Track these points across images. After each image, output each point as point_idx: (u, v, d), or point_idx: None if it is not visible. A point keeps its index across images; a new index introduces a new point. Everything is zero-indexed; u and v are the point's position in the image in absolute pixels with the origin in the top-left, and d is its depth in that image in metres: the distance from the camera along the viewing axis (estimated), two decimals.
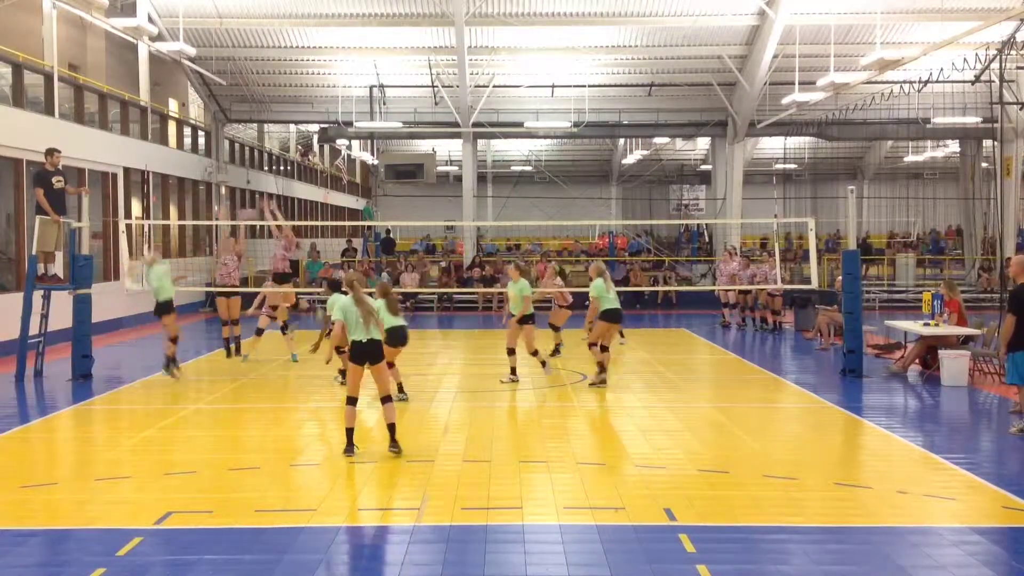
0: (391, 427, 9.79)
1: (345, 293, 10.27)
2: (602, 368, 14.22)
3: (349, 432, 9.79)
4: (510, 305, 14.85)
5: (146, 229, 20.54)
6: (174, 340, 14.84)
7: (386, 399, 9.92)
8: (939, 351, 14.45)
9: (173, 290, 15.10)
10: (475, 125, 30.17)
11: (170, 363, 14.83)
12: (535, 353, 14.55)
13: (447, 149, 42.79)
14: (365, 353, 9.68)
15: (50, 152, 15.33)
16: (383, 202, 47.19)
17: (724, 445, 10.46)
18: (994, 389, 13.84)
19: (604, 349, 14.24)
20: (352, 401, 9.80)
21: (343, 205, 48.36)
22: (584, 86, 29.35)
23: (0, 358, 16.82)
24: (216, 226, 30.01)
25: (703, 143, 41.91)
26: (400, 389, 12.82)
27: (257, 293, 17.24)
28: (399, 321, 11.75)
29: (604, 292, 14.13)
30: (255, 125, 36.37)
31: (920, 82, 25.75)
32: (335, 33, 27.02)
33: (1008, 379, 11.13)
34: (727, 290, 22.95)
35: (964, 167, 34.27)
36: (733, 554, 6.90)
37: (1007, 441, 10.70)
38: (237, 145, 34.13)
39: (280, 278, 16.94)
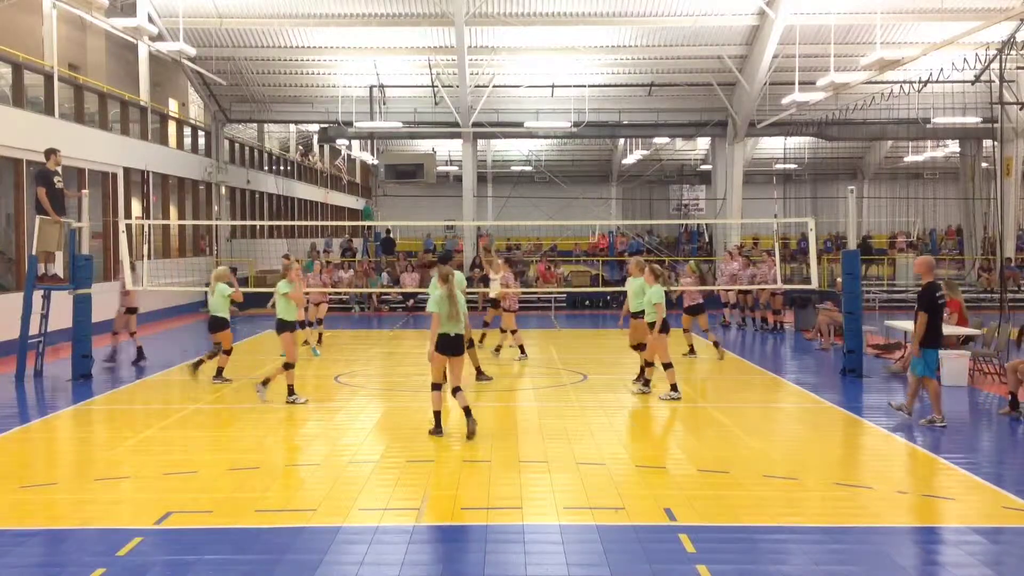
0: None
1: None
2: (670, 384, 13.16)
3: None
4: (633, 307, 13.94)
5: (146, 229, 20.51)
6: (228, 352, 14.79)
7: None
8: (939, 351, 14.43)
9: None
10: (475, 125, 30.19)
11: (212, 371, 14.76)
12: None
13: (447, 149, 42.82)
14: None
15: (51, 152, 15.32)
16: (383, 202, 47.22)
17: (724, 445, 10.46)
18: (994, 389, 13.85)
19: (668, 366, 13.15)
20: None
21: (343, 205, 48.39)
22: (584, 86, 29.37)
23: (0, 358, 16.81)
24: (216, 226, 30.05)
25: (703, 143, 41.94)
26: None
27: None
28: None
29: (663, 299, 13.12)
30: (255, 125, 36.40)
31: (920, 82, 25.76)
32: (335, 33, 27.03)
33: (918, 371, 11.39)
34: (727, 290, 22.96)
35: (964, 167, 34.28)
36: (733, 554, 6.90)
37: (1007, 441, 10.70)
38: (237, 145, 34.16)
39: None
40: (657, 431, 11.47)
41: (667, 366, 13.06)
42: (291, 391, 12.87)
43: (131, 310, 17.22)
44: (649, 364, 13.48)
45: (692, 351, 17.63)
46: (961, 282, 27.15)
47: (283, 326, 12.88)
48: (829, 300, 19.49)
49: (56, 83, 20.63)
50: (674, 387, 13.03)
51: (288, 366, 12.87)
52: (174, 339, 21.69)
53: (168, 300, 25.22)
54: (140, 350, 17.06)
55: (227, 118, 31.33)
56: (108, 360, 16.80)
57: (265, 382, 13.07)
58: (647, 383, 13.47)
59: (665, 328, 13.02)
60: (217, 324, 14.75)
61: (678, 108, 31.28)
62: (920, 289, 11.59)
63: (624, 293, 14.67)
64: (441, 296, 10.58)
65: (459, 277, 13.70)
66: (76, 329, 15.19)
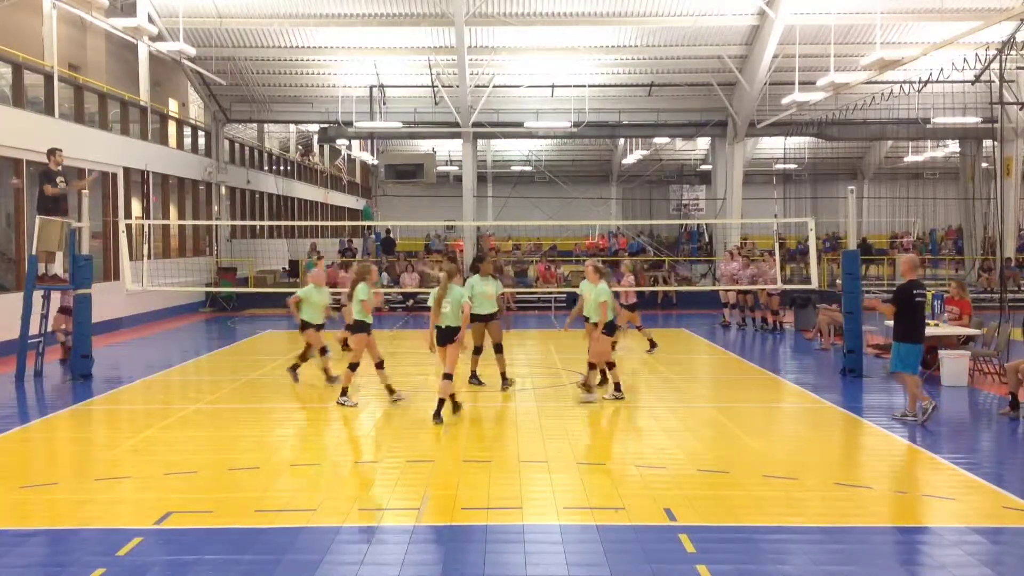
0: None
1: None
2: (589, 387, 13.15)
3: None
4: (586, 310, 13.26)
5: (146, 229, 20.53)
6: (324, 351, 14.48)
7: None
8: (939, 351, 14.45)
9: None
10: (475, 125, 30.18)
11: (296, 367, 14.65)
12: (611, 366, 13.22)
13: (447, 149, 42.81)
14: None
15: (52, 152, 15.34)
16: (383, 202, 47.20)
17: (724, 445, 10.46)
18: (994, 389, 13.85)
19: (611, 366, 13.18)
20: None
21: (343, 205, 48.40)
22: (584, 86, 29.37)
23: (0, 358, 16.81)
24: (216, 226, 30.05)
25: (703, 143, 41.93)
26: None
27: None
28: None
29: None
30: (255, 125, 36.40)
31: (920, 82, 25.75)
32: (335, 33, 27.03)
33: (892, 366, 11.91)
34: (728, 290, 22.97)
35: (964, 167, 34.27)
36: (733, 554, 6.90)
37: (1007, 441, 10.70)
38: (237, 145, 34.15)
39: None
40: (657, 431, 11.46)
41: (611, 366, 13.11)
42: (344, 392, 12.80)
43: (65, 309, 16.44)
44: (611, 366, 13.17)
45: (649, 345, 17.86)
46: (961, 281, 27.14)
47: (359, 327, 12.86)
48: (835, 302, 19.45)
49: (56, 83, 20.64)
50: (617, 386, 13.08)
51: (353, 367, 12.83)
52: (174, 339, 21.70)
53: (168, 300, 25.24)
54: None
55: (227, 118, 31.32)
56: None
57: (342, 388, 12.99)
58: (605, 384, 13.28)
59: (612, 330, 12.99)
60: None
61: (678, 108, 31.26)
62: (899, 286, 11.94)
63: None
64: (435, 292, 11.72)
65: (473, 280, 13.76)
66: (76, 329, 15.20)
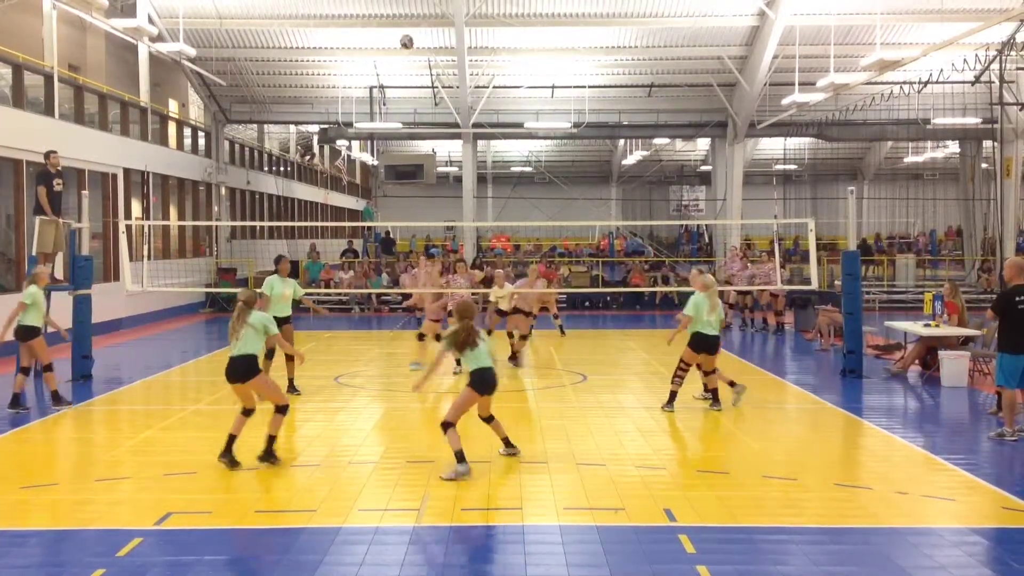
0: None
1: None
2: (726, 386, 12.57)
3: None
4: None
5: (146, 230, 20.52)
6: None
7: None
8: (939, 352, 14.45)
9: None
10: (475, 125, 30.19)
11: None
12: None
13: (447, 149, 42.82)
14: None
15: (50, 154, 15.33)
16: (383, 202, 47.22)
17: (724, 445, 10.46)
18: (993, 390, 13.82)
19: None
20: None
21: (343, 206, 48.40)
22: (584, 87, 29.38)
23: (0, 358, 16.80)
24: (216, 227, 30.04)
25: (703, 144, 41.96)
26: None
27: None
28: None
29: (701, 313, 12.20)
30: (255, 126, 36.41)
31: (920, 83, 25.74)
32: (335, 33, 27.04)
33: (996, 381, 11.09)
34: (728, 290, 22.96)
35: (964, 168, 34.28)
36: (733, 554, 6.90)
37: (1007, 441, 10.68)
38: (237, 146, 34.15)
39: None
40: (657, 431, 11.46)
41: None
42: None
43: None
44: None
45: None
46: (961, 282, 27.15)
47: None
48: (834, 302, 19.43)
49: (56, 84, 20.63)
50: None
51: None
52: (174, 340, 21.70)
53: (168, 301, 25.23)
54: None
55: (227, 119, 31.33)
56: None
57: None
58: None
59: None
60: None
61: (678, 109, 31.27)
62: (1003, 292, 11.11)
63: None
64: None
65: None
66: (76, 329, 15.17)
